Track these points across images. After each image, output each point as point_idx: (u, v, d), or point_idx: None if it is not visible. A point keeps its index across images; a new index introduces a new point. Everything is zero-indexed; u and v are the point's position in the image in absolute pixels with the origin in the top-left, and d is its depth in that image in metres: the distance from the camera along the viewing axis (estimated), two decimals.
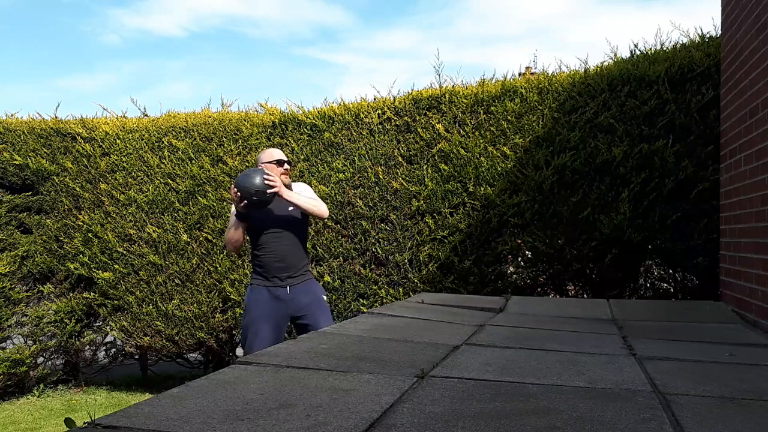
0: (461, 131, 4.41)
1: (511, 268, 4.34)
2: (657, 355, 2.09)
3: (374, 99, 4.85)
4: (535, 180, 4.10)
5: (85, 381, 5.80)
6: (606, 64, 4.19)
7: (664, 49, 4.10)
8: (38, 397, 5.46)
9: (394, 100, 4.69)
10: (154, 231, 5.25)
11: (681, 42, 4.12)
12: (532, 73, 5.05)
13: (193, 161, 5.23)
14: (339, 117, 4.80)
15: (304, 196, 3.33)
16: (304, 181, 4.38)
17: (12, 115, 5.84)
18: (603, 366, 1.88)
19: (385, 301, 4.48)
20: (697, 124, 3.83)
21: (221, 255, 5.11)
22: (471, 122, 4.39)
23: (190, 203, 5.22)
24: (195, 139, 5.26)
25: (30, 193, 5.65)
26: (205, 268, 5.18)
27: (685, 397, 1.55)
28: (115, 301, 5.42)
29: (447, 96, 4.48)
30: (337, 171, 4.72)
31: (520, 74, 4.84)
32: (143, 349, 5.49)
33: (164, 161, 5.31)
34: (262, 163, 3.34)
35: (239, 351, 5.70)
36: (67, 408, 5.12)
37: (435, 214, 4.42)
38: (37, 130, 5.67)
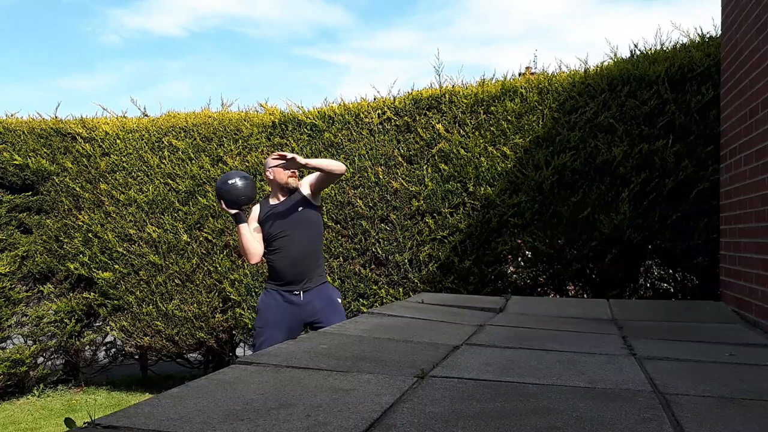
0: (461, 131, 4.41)
1: (511, 268, 4.34)
2: (657, 355, 2.09)
3: (374, 99, 4.84)
4: (535, 180, 4.10)
5: (85, 381, 5.80)
6: (606, 64, 4.19)
7: (664, 49, 4.10)
8: (38, 397, 5.46)
9: (394, 100, 4.69)
10: (154, 231, 5.25)
11: (681, 42, 4.12)
12: (532, 73, 5.05)
13: (193, 161, 5.23)
14: (339, 117, 4.79)
15: (317, 159, 3.65)
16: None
17: (12, 115, 5.85)
18: (603, 366, 1.88)
19: (385, 301, 4.48)
20: (697, 124, 3.83)
21: (221, 255, 5.11)
22: (471, 122, 4.39)
23: (190, 203, 5.23)
24: (195, 139, 5.26)
25: (30, 193, 5.65)
26: (205, 268, 5.18)
27: (685, 397, 1.55)
28: (115, 301, 5.42)
29: (447, 96, 4.48)
30: None
31: (520, 74, 4.84)
32: (143, 349, 5.49)
33: (164, 161, 5.31)
34: (270, 166, 3.37)
35: (239, 351, 5.70)
36: (67, 408, 5.12)
37: (435, 214, 4.42)
38: (37, 130, 5.67)
